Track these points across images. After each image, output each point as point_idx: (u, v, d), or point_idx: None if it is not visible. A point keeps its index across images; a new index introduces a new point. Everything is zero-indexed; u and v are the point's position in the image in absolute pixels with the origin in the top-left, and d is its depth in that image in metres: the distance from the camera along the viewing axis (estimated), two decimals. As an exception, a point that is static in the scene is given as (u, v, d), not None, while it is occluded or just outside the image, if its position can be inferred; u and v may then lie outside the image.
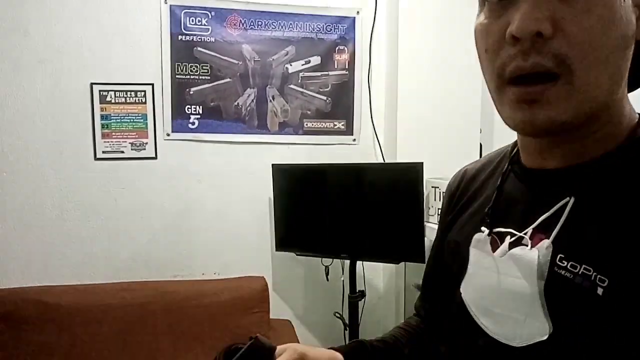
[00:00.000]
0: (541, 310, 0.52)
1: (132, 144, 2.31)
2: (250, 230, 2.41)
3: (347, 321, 2.13)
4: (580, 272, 0.50)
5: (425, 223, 2.00)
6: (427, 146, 2.26)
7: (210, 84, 2.35)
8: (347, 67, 2.45)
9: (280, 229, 2.24)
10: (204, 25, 2.33)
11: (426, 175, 1.96)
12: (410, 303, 2.33)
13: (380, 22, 2.42)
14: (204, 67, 2.34)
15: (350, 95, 2.46)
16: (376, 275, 2.49)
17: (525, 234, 0.56)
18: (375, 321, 2.40)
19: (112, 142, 2.29)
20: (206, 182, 2.36)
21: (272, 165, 2.21)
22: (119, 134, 2.30)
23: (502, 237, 0.60)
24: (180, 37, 2.31)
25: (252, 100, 2.39)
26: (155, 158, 2.32)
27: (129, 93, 2.30)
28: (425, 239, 1.97)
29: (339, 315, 2.17)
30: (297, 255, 2.28)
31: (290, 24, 2.39)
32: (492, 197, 0.65)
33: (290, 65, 2.41)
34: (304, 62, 2.42)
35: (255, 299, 2.26)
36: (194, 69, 2.34)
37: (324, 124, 2.46)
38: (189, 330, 2.16)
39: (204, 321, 2.18)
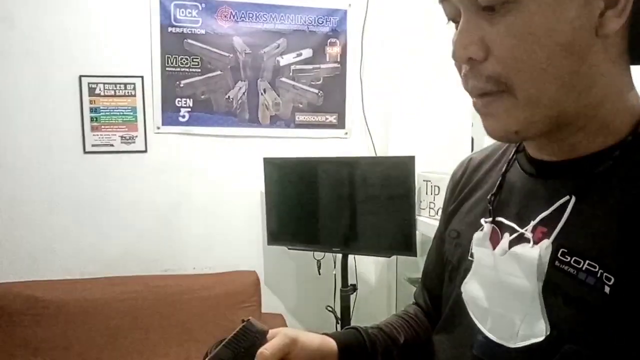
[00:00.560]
0: (539, 311, 0.51)
1: (121, 137, 2.29)
2: (241, 224, 2.40)
3: (339, 315, 2.14)
4: (584, 268, 0.48)
5: (416, 217, 2.00)
6: (418, 140, 2.26)
7: (201, 77, 2.33)
8: (339, 60, 2.44)
9: (272, 223, 2.23)
10: (194, 17, 2.30)
11: (418, 169, 1.96)
12: (402, 296, 2.34)
13: (372, 15, 2.40)
14: (194, 60, 2.32)
15: (342, 89, 2.45)
16: (368, 268, 2.49)
17: (526, 230, 0.55)
18: (367, 314, 2.40)
19: (101, 135, 2.27)
20: (197, 175, 2.35)
21: (264, 159, 2.20)
22: (109, 127, 2.27)
23: (503, 229, 0.59)
24: (170, 29, 2.28)
25: (243, 94, 2.37)
26: (146, 152, 2.30)
27: (118, 86, 2.27)
28: (417, 232, 1.97)
29: (330, 309, 2.17)
30: (288, 249, 2.28)
31: (282, 16, 2.37)
32: (495, 186, 0.64)
33: (282, 58, 2.39)
34: (295, 55, 2.40)
35: (247, 293, 2.25)
36: (184, 61, 2.31)
37: (315, 117, 2.45)
38: (180, 324, 2.16)
39: (195, 316, 2.18)
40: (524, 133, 0.51)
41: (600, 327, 0.47)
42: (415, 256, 1.96)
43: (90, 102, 2.25)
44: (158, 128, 2.31)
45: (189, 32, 2.30)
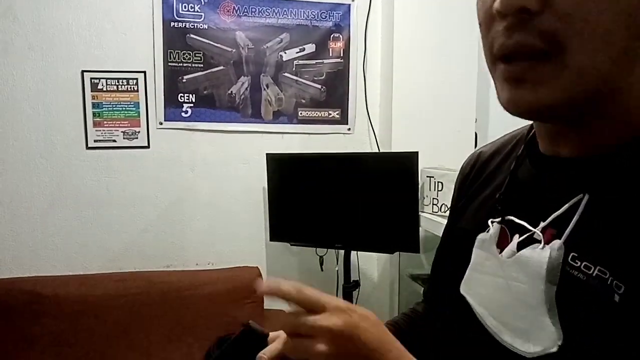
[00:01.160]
0: (549, 319, 0.48)
1: (124, 132, 2.28)
2: (244, 220, 2.39)
3: (341, 311, 2.12)
4: (594, 274, 0.45)
5: (420, 213, 1.98)
6: (422, 135, 2.24)
7: (204, 72, 2.32)
8: (342, 55, 2.42)
9: (274, 219, 2.22)
10: (197, 11, 2.29)
11: (421, 165, 1.94)
12: (405, 293, 2.33)
13: (375, 10, 2.38)
14: (197, 55, 2.31)
15: (345, 84, 2.44)
16: (370, 265, 2.48)
17: (536, 230, 0.52)
18: (370, 311, 2.40)
19: (104, 130, 2.26)
20: (199, 171, 2.34)
21: (267, 154, 2.19)
22: (111, 122, 2.26)
23: (512, 229, 0.56)
24: (172, 23, 2.27)
25: (246, 89, 2.36)
26: (148, 147, 2.30)
27: (120, 81, 2.26)
28: (420, 228, 1.96)
29: (333, 306, 2.16)
30: (291, 245, 2.27)
31: (285, 10, 2.35)
32: (505, 183, 0.61)
33: (285, 53, 2.38)
34: (298, 50, 2.38)
35: (249, 289, 2.23)
36: (186, 56, 2.30)
37: (318, 112, 2.43)
38: (183, 320, 2.15)
39: (198, 311, 2.17)
40: (558, 108, 0.46)
41: (609, 338, 0.44)
42: (418, 252, 1.95)
43: (93, 97, 2.24)
44: (160, 123, 2.31)
45: (192, 26, 2.29)
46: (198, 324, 2.16)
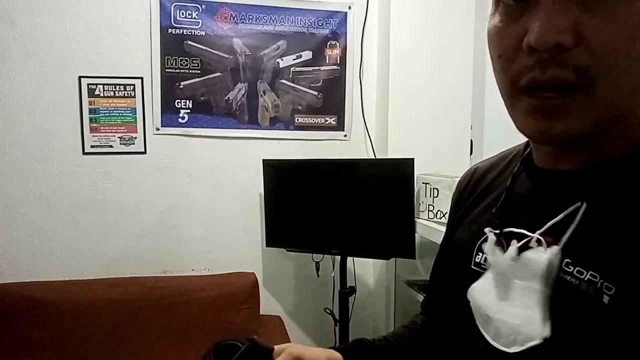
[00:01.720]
0: (540, 316, 0.50)
1: (121, 138, 2.29)
2: (240, 225, 2.39)
3: (337, 317, 2.13)
4: (586, 279, 0.48)
5: (415, 219, 1.99)
6: (418, 142, 2.26)
7: (201, 78, 2.33)
8: (338, 62, 2.44)
9: (271, 225, 2.23)
10: (195, 18, 2.30)
11: (417, 172, 1.96)
12: (401, 299, 2.34)
13: (371, 18, 2.40)
14: (194, 61, 2.32)
15: (341, 91, 2.45)
16: (366, 271, 2.49)
17: (535, 235, 0.54)
18: (366, 317, 2.41)
19: (100, 136, 2.27)
20: (196, 177, 2.35)
21: (263, 160, 2.20)
22: (108, 128, 2.27)
23: (509, 239, 0.58)
24: (170, 30, 2.28)
25: (243, 95, 2.37)
26: (145, 153, 2.30)
27: (117, 87, 2.27)
28: (416, 235, 1.97)
29: (329, 311, 2.17)
30: (287, 251, 2.27)
31: (282, 18, 2.37)
32: (501, 197, 0.63)
33: (282, 59, 2.39)
34: (295, 57, 2.40)
35: (245, 294, 2.25)
36: (184, 62, 2.31)
37: (315, 119, 2.45)
38: (179, 326, 2.15)
39: (194, 317, 2.17)
40: (587, 135, 0.48)
41: (600, 337, 0.46)
42: (414, 258, 1.96)
43: (90, 103, 2.25)
44: (157, 129, 2.31)
45: (189, 33, 2.30)
46: (194, 330, 2.16)
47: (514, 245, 0.56)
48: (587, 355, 0.47)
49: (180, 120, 2.33)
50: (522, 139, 0.63)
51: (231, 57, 2.34)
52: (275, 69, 2.39)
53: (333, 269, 2.29)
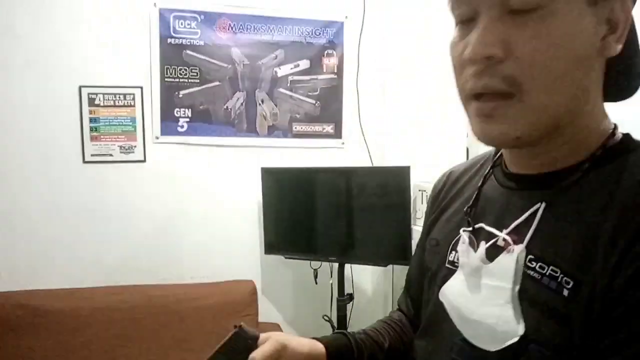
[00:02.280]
0: (513, 313, 0.54)
1: (121, 147, 2.31)
2: (239, 233, 2.41)
3: (335, 324, 2.15)
4: (547, 274, 0.52)
5: (412, 226, 2.02)
6: (414, 150, 2.28)
7: (200, 87, 2.36)
8: (335, 71, 2.47)
9: (269, 233, 2.25)
10: (194, 28, 2.33)
11: (413, 179, 1.98)
12: (398, 305, 2.35)
13: (368, 27, 2.43)
14: (193, 70, 2.35)
15: (339, 99, 2.48)
16: (364, 278, 2.51)
17: (501, 236, 0.59)
18: (364, 324, 2.39)
19: (100, 145, 2.29)
20: (195, 185, 2.37)
21: (262, 168, 2.22)
22: (108, 137, 2.29)
23: (480, 237, 0.62)
24: (169, 40, 2.31)
25: (242, 104, 2.40)
26: (144, 161, 2.32)
27: (117, 96, 2.29)
28: (413, 241, 1.99)
29: (327, 319, 2.18)
30: (285, 258, 2.29)
31: (279, 28, 2.40)
32: (472, 198, 0.68)
33: (279, 68, 2.42)
34: (292, 66, 2.43)
35: (244, 302, 2.26)
36: (183, 72, 2.34)
37: (312, 127, 2.47)
38: (178, 333, 2.16)
39: (193, 325, 2.18)
40: (524, 139, 0.54)
41: (560, 328, 0.50)
42: (412, 265, 1.97)
43: (90, 112, 2.27)
44: (157, 138, 2.34)
45: (188, 43, 2.33)
46: (193, 337, 2.17)
47: (483, 246, 0.61)
48: (552, 345, 0.50)
49: (179, 128, 2.36)
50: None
51: (230, 66, 2.37)
52: (273, 78, 2.42)
53: (331, 277, 2.31)
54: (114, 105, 2.29)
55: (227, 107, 2.39)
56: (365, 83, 2.47)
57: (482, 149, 0.78)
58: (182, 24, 2.32)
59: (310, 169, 2.27)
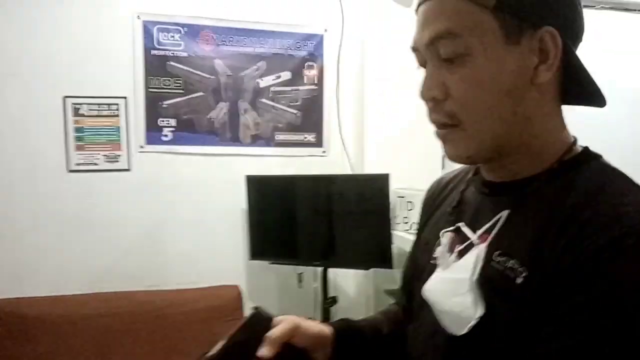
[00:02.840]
0: (472, 300, 0.63)
1: (105, 156, 2.35)
2: (224, 239, 2.47)
3: (319, 326, 2.21)
4: (509, 265, 0.62)
5: (392, 231, 2.11)
6: (392, 158, 2.38)
7: (183, 98, 2.42)
8: (316, 82, 2.55)
9: (254, 238, 2.31)
10: (177, 40, 2.39)
11: (392, 186, 2.08)
12: (380, 307, 2.43)
13: (347, 40, 2.53)
14: (177, 81, 2.40)
15: (319, 109, 2.57)
16: (347, 281, 2.58)
17: (473, 237, 0.70)
18: (346, 325, 2.49)
19: (85, 154, 2.32)
20: (180, 193, 2.42)
21: (246, 176, 2.29)
22: (93, 146, 2.33)
23: (459, 238, 0.73)
24: (153, 51, 2.37)
25: (225, 114, 2.47)
26: (129, 170, 2.37)
27: (102, 106, 2.33)
28: (393, 246, 2.08)
29: (311, 321, 2.25)
30: (270, 264, 2.36)
31: (261, 40, 2.48)
32: (455, 201, 0.78)
33: (262, 80, 2.50)
34: (274, 77, 2.51)
35: (230, 307, 2.32)
36: (166, 82, 2.39)
37: (294, 136, 2.55)
38: (166, 339, 2.21)
39: (180, 330, 2.23)
40: (474, 158, 0.66)
41: (516, 310, 0.60)
42: (392, 268, 2.07)
43: (75, 122, 2.31)
44: (141, 147, 2.38)
45: (172, 54, 2.39)
46: (181, 342, 2.22)
47: (456, 249, 0.71)
48: (508, 326, 0.60)
49: (163, 138, 2.41)
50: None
51: (213, 77, 2.44)
52: (255, 89, 2.49)
53: (315, 281, 2.38)
54: (99, 115, 2.33)
55: (210, 117, 2.45)
56: (345, 94, 2.56)
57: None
58: (165, 36, 2.38)
59: (292, 177, 2.35)
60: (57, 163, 2.28)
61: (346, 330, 0.85)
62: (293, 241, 2.24)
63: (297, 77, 2.53)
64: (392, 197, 2.15)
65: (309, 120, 2.56)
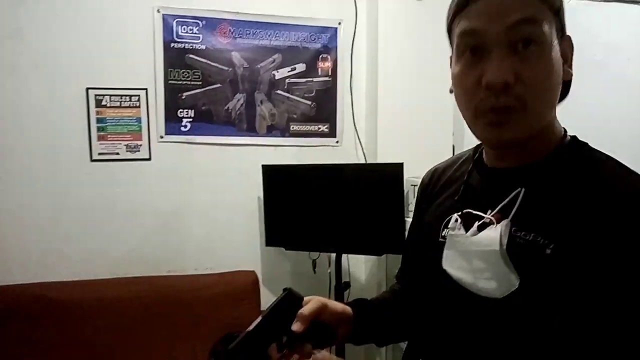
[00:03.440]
0: (506, 268, 0.69)
1: (127, 146, 2.42)
2: (240, 227, 2.54)
3: (333, 310, 2.28)
4: (530, 239, 0.69)
5: (405, 218, 2.17)
6: (404, 147, 2.43)
7: (202, 89, 2.49)
8: (330, 73, 2.62)
9: (270, 226, 2.38)
10: (195, 33, 2.46)
11: (405, 175, 2.13)
12: (391, 292, 2.51)
13: (360, 32, 2.59)
14: (195, 73, 2.47)
15: (333, 100, 2.63)
16: (359, 267, 2.65)
17: (488, 216, 0.75)
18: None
19: (107, 144, 2.40)
20: (198, 181, 2.49)
21: (262, 165, 2.35)
22: (115, 136, 2.41)
23: (468, 220, 0.78)
24: (172, 44, 2.43)
25: (242, 105, 2.54)
26: (149, 159, 2.44)
27: (123, 97, 2.41)
28: (406, 232, 2.14)
29: (325, 305, 2.32)
30: (285, 250, 2.43)
31: (277, 33, 2.54)
32: (460, 190, 0.85)
33: (277, 72, 2.56)
34: (289, 69, 2.57)
35: (246, 291, 2.39)
36: (186, 74, 2.46)
37: (309, 127, 2.62)
38: (185, 321, 2.28)
39: (199, 313, 2.30)
40: (525, 140, 0.72)
41: (544, 280, 0.66)
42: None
43: (97, 112, 2.38)
44: (161, 137, 2.46)
45: (190, 47, 2.45)
46: (199, 325, 2.29)
47: (475, 225, 0.76)
48: (543, 294, 0.66)
49: (182, 128, 2.48)
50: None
51: (230, 69, 2.50)
52: (271, 81, 2.56)
53: (329, 266, 2.45)
54: (120, 106, 2.41)
55: (227, 107, 2.52)
56: (358, 85, 2.62)
57: (466, 147, 0.96)
58: (184, 29, 2.45)
59: (307, 166, 2.40)
60: (80, 153, 2.36)
61: (363, 308, 0.96)
62: (307, 228, 2.31)
63: (311, 69, 2.59)
64: (405, 185, 2.20)
65: (323, 111, 2.63)
